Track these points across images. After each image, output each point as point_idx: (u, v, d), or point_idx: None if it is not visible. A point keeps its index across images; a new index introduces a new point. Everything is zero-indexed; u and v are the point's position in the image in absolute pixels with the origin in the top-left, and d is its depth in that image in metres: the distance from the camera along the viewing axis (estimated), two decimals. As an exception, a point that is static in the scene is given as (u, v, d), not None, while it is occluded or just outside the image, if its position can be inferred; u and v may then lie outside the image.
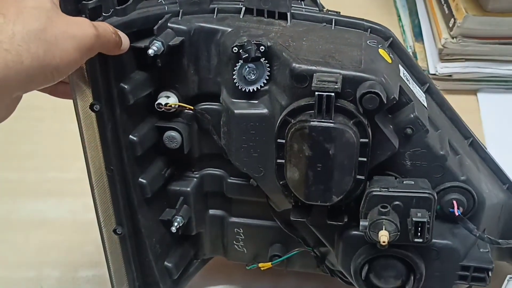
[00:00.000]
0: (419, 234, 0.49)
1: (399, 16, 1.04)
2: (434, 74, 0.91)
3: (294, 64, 0.49)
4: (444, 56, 0.91)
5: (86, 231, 0.75)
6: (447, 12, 0.90)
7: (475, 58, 0.90)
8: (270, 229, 0.63)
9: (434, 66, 0.92)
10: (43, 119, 0.86)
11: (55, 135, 0.89)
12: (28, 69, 0.40)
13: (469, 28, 0.86)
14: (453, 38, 0.88)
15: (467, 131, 0.60)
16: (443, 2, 0.92)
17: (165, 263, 0.62)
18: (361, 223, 0.50)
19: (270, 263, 0.63)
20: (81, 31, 0.44)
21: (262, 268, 0.64)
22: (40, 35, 0.41)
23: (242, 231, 0.64)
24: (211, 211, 0.65)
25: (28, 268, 0.74)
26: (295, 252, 0.63)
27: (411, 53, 0.94)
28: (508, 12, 0.86)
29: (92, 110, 0.51)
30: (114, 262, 0.59)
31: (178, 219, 0.60)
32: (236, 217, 0.64)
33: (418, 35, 0.98)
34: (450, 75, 0.92)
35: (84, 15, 0.48)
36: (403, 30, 1.02)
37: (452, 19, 0.87)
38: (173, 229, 0.59)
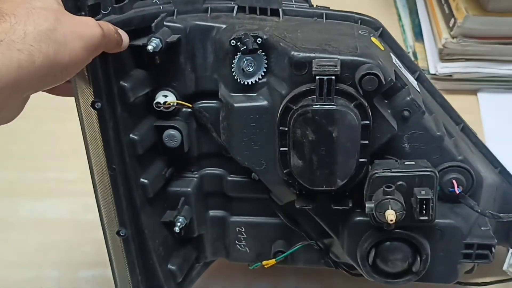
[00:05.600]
0: (424, 212, 0.50)
1: (399, 16, 1.04)
2: (435, 74, 0.91)
3: (293, 52, 0.50)
4: (445, 56, 0.91)
5: (86, 231, 0.75)
6: (447, 12, 0.90)
7: (476, 58, 0.90)
8: (272, 226, 0.63)
9: (434, 66, 0.92)
10: (43, 119, 0.86)
11: (55, 135, 0.88)
12: (39, 69, 0.41)
13: (470, 28, 0.86)
14: (453, 38, 0.88)
15: (458, 117, 0.62)
16: (443, 2, 0.92)
17: (169, 266, 0.62)
18: (366, 205, 0.51)
19: (274, 259, 0.63)
20: (88, 30, 0.45)
21: (266, 266, 0.63)
22: (50, 35, 0.41)
23: (244, 230, 0.64)
24: (212, 212, 0.64)
25: (28, 268, 0.73)
26: (299, 246, 0.63)
27: (411, 53, 0.95)
28: (509, 12, 0.85)
29: (94, 108, 0.51)
30: (119, 267, 0.58)
31: (180, 220, 0.60)
32: (237, 216, 0.64)
33: (418, 35, 0.98)
34: (450, 75, 0.91)
35: (83, 13, 0.49)
36: (403, 30, 1.02)
37: (453, 19, 0.87)
38: (177, 229, 0.59)
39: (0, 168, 0.86)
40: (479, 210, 0.54)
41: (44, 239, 0.76)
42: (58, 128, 0.88)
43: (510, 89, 0.92)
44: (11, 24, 0.40)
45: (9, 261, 0.74)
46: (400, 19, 1.04)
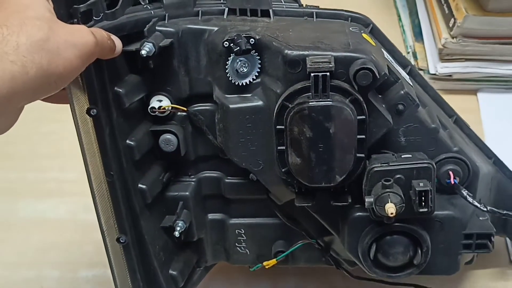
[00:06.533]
0: (423, 203, 0.51)
1: (399, 16, 1.04)
2: (434, 74, 0.91)
3: (286, 51, 0.51)
4: (444, 56, 0.91)
5: (86, 231, 0.75)
6: (447, 12, 0.90)
7: (475, 58, 0.90)
8: (272, 226, 0.63)
9: (434, 66, 0.92)
10: (42, 120, 0.86)
11: (55, 135, 0.88)
12: (33, 80, 0.41)
13: (469, 28, 0.86)
14: (453, 38, 0.88)
15: (451, 109, 0.63)
16: (443, 2, 0.93)
17: (170, 271, 0.61)
18: (366, 199, 0.51)
19: (274, 259, 0.63)
20: (81, 39, 0.44)
21: (267, 266, 0.63)
22: (43, 45, 0.41)
23: (243, 232, 0.64)
24: (210, 216, 0.64)
25: (28, 268, 0.73)
26: (299, 244, 0.63)
27: (411, 53, 0.95)
28: (508, 12, 0.86)
29: (89, 115, 0.51)
30: (119, 272, 0.58)
31: (180, 224, 0.59)
32: (237, 218, 0.64)
33: (418, 35, 0.98)
34: (450, 75, 0.91)
35: (76, 19, 0.49)
36: (403, 30, 1.01)
37: (452, 19, 0.87)
38: (176, 234, 0.59)
39: (0, 168, 0.86)
40: (471, 201, 0.54)
41: (44, 239, 0.76)
42: (58, 128, 0.88)
43: (510, 89, 0.92)
44: (4, 36, 0.40)
45: (9, 261, 0.74)
46: (400, 19, 1.04)
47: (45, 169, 0.85)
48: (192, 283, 0.65)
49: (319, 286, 0.72)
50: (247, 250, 0.65)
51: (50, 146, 0.88)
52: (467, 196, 0.55)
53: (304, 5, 0.60)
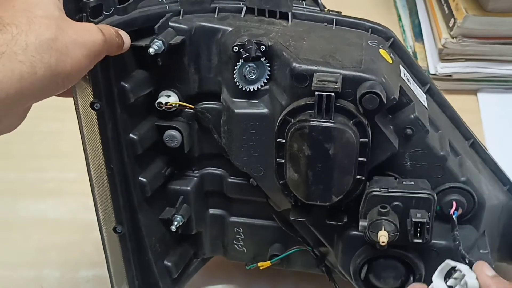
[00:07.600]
0: (418, 234, 0.49)
1: (399, 16, 1.05)
2: (434, 74, 0.91)
3: (294, 64, 0.49)
4: (444, 56, 0.91)
5: (86, 231, 0.75)
6: (447, 12, 0.90)
7: (475, 58, 0.90)
8: (270, 229, 0.63)
9: (434, 66, 0.92)
10: (42, 119, 0.86)
11: (55, 135, 0.89)
12: (41, 80, 0.40)
13: (469, 28, 0.86)
14: (453, 38, 0.88)
15: (468, 132, 0.60)
16: (443, 2, 0.92)
17: (165, 262, 0.62)
18: (360, 223, 0.50)
19: (269, 261, 0.63)
20: (90, 38, 0.44)
21: (261, 267, 0.64)
22: (52, 45, 0.41)
23: (242, 231, 0.64)
24: (211, 211, 0.64)
25: (28, 268, 0.74)
26: (294, 250, 0.62)
27: (411, 53, 0.94)
28: (508, 12, 0.86)
29: (93, 108, 0.51)
30: (114, 261, 0.59)
31: (178, 218, 0.60)
32: (236, 217, 0.64)
33: (418, 35, 0.98)
34: (450, 75, 0.92)
35: (85, 14, 0.48)
36: (403, 30, 1.02)
37: (452, 19, 0.87)
38: (173, 228, 0.59)
39: (0, 168, 0.86)
40: (456, 238, 0.52)
41: (44, 239, 0.77)
42: (58, 128, 0.89)
43: (510, 89, 0.92)
44: (13, 35, 0.40)
45: (9, 261, 0.75)
46: (400, 19, 1.03)
47: (45, 169, 0.85)
48: (188, 274, 0.66)
49: (319, 287, 0.72)
50: (244, 249, 0.65)
51: (50, 146, 0.88)
52: (455, 234, 0.52)
53: (326, 10, 0.58)
